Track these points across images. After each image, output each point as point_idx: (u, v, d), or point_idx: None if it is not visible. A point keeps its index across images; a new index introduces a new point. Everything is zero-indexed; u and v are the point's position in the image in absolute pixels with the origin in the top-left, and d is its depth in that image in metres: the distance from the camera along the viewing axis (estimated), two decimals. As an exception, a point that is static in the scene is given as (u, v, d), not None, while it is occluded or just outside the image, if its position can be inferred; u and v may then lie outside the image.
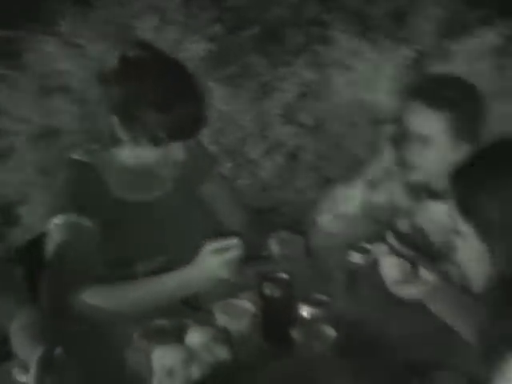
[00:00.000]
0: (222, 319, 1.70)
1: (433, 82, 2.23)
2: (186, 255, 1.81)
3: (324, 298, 1.77)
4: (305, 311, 1.72)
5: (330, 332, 1.65)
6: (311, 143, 3.13)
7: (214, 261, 1.71)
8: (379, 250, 1.72)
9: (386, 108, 3.08)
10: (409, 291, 1.64)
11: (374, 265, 1.85)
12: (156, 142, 1.79)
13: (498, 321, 1.24)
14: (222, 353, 1.49)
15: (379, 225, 2.32)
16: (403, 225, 2.31)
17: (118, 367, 1.55)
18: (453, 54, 3.15)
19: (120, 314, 1.77)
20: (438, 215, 2.25)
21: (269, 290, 1.75)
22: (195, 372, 1.43)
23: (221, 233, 1.91)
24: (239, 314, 1.70)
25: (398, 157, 2.25)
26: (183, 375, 1.42)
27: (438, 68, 3.09)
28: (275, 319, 1.74)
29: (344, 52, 3.07)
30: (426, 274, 1.63)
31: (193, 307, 1.81)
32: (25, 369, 1.40)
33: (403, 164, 2.22)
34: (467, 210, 1.35)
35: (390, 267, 1.66)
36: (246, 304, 1.73)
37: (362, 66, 3.08)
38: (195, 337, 1.54)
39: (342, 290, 1.89)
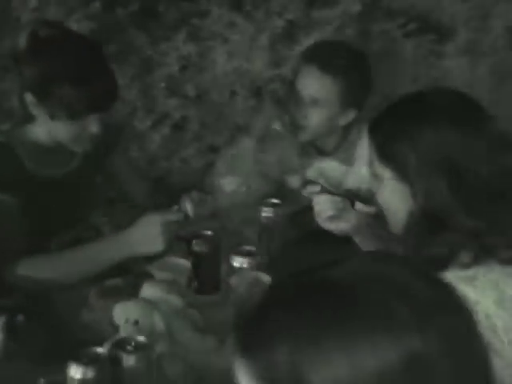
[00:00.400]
0: (161, 277, 1.84)
1: (326, 48, 2.42)
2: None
3: (252, 248, 1.95)
4: (236, 262, 1.89)
5: (266, 278, 1.82)
6: (195, 113, 3.28)
7: (151, 228, 1.84)
8: (313, 189, 1.93)
9: (263, 76, 3.29)
10: (339, 226, 1.85)
11: (282, 218, 2.05)
12: (73, 116, 1.88)
13: (422, 249, 1.45)
14: (178, 303, 1.63)
15: (272, 181, 2.51)
16: (295, 181, 2.52)
17: (76, 328, 1.66)
18: (320, 22, 3.38)
19: (58, 282, 1.85)
20: (328, 171, 2.47)
21: (198, 246, 1.90)
22: (158, 322, 1.56)
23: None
24: (177, 271, 1.85)
25: (287, 118, 2.45)
26: (149, 326, 1.55)
27: (308, 36, 3.31)
28: (206, 273, 1.90)
29: (220, 25, 3.23)
30: (359, 206, 1.85)
31: (130, 269, 1.93)
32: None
33: (293, 125, 2.42)
34: (386, 156, 1.53)
35: (325, 203, 1.86)
36: (181, 261, 1.87)
37: (238, 38, 3.25)
38: (150, 291, 1.67)
39: (257, 243, 2.08)
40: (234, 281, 1.81)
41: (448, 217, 1.42)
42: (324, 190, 1.95)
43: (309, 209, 2.05)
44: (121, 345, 1.48)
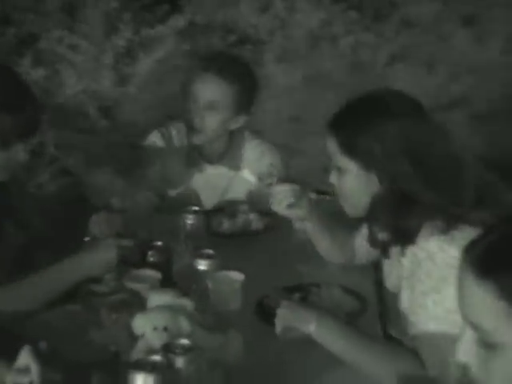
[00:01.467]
0: (134, 288, 1.91)
1: (222, 57, 2.62)
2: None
3: (210, 250, 2.07)
4: (201, 265, 2.01)
5: (237, 277, 1.97)
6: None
7: (109, 251, 1.93)
8: (270, 180, 2.12)
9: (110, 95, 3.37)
10: (297, 212, 2.05)
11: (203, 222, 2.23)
12: (4, 143, 1.85)
13: (395, 223, 1.65)
14: (190, 304, 1.72)
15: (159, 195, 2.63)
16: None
17: (89, 348, 1.68)
18: (155, 39, 3.54)
19: (23, 310, 1.83)
20: (215, 178, 2.64)
21: (153, 257, 2.00)
22: (186, 325, 1.65)
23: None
24: (148, 281, 1.93)
25: (165, 130, 2.60)
26: (177, 330, 1.62)
27: (150, 52, 3.46)
28: (164, 280, 1.98)
29: (64, 47, 3.25)
30: (313, 195, 2.07)
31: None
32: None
33: (190, 129, 2.55)
34: (350, 150, 1.69)
35: (285, 192, 2.04)
36: (151, 272, 1.96)
37: (82, 59, 3.30)
38: (161, 298, 1.73)
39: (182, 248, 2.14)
40: (209, 283, 1.92)
41: (415, 194, 1.62)
42: (280, 180, 2.13)
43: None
44: (169, 350, 1.55)
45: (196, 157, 2.63)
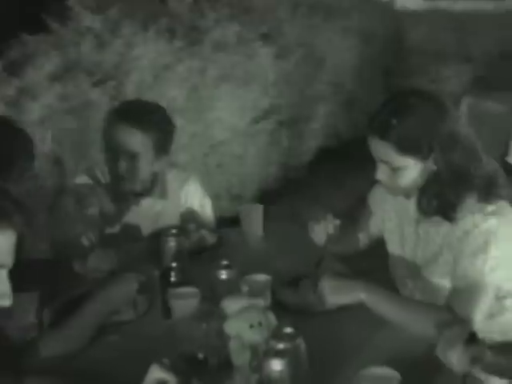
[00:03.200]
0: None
1: (137, 107, 2.65)
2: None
3: (226, 261, 2.14)
4: (223, 275, 2.09)
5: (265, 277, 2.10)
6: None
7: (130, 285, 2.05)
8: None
9: None
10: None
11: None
12: None
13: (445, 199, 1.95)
14: (260, 302, 1.92)
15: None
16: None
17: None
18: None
19: (74, 349, 1.89)
20: (147, 209, 2.70)
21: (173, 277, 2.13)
22: (273, 320, 1.76)
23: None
24: (190, 296, 2.05)
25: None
26: (268, 324, 1.73)
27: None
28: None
29: None
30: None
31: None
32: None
33: (115, 177, 2.58)
34: (407, 148, 1.90)
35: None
36: (188, 288, 2.07)
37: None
38: (238, 302, 1.87)
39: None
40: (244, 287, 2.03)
41: (461, 173, 1.93)
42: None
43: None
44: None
45: (124, 194, 2.65)
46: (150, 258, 2.35)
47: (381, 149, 1.95)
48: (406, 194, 2.08)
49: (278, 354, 1.61)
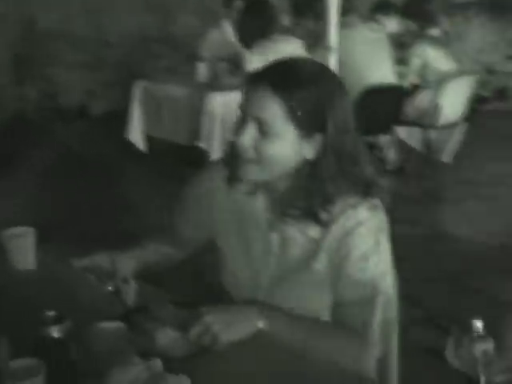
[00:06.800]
0: None
1: None
2: None
3: None
4: None
5: None
6: None
7: None
8: None
9: None
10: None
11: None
12: None
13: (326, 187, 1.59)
14: None
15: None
16: None
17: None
18: None
19: None
20: None
21: None
22: None
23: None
24: None
25: None
26: None
27: None
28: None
29: None
30: None
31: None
32: None
33: None
34: (297, 116, 1.54)
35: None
36: None
37: None
38: None
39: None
40: None
41: (346, 163, 1.59)
42: None
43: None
44: None
45: None
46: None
47: (265, 103, 1.55)
48: (252, 189, 1.69)
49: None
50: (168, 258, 1.95)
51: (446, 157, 5.61)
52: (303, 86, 1.55)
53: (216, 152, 4.37)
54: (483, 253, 4.16)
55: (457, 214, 4.84)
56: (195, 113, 4.42)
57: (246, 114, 1.58)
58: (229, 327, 1.49)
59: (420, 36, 5.60)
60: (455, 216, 4.80)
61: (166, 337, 1.45)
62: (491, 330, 1.38)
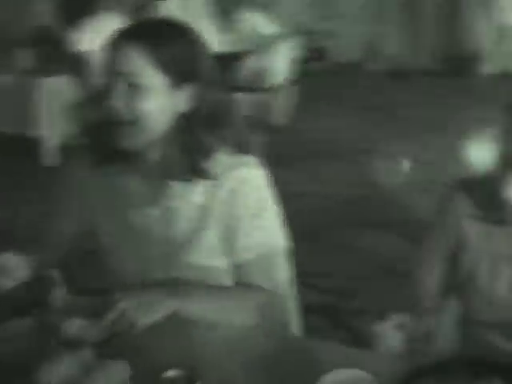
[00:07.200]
0: None
1: None
2: None
3: None
4: None
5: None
6: None
7: None
8: None
9: None
10: None
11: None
12: None
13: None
14: None
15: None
16: None
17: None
18: None
19: None
20: None
21: None
22: None
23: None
24: None
25: None
26: None
27: None
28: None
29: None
30: None
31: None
32: None
33: None
34: (166, 63, 1.50)
35: None
36: None
37: None
38: None
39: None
40: None
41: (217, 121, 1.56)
42: None
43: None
44: None
45: None
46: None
47: (132, 56, 1.49)
48: (123, 168, 1.59)
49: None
50: None
51: (279, 119, 5.66)
52: (169, 36, 1.54)
53: (47, 139, 4.19)
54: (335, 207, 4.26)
55: (303, 173, 4.92)
56: (21, 100, 4.17)
57: (113, 74, 1.50)
58: (145, 311, 1.43)
59: (241, 2, 5.58)
60: (301, 175, 4.88)
61: (74, 326, 1.41)
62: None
